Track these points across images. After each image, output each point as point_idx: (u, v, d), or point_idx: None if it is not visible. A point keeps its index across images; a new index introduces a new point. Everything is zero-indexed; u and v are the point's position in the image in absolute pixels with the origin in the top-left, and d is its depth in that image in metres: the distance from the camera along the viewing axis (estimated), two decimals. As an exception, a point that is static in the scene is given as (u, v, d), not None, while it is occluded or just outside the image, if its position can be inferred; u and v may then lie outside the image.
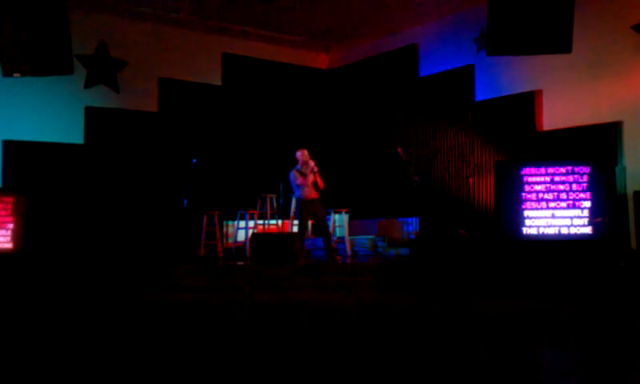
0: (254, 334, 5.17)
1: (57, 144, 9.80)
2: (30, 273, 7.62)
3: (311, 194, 8.56)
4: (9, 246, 8.05)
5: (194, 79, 11.20)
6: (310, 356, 4.03)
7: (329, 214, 9.31)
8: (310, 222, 9.29)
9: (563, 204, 7.43)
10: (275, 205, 10.47)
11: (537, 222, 7.51)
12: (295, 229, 9.15)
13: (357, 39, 11.86)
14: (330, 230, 9.32)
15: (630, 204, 7.94)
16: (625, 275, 6.87)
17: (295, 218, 9.31)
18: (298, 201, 8.66)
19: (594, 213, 7.31)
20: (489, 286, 6.92)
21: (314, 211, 8.59)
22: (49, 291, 7.41)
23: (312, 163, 8.61)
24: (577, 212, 7.36)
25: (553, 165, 7.59)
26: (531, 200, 7.55)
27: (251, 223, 10.24)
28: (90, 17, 10.01)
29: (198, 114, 11.21)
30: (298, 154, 8.71)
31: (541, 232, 7.46)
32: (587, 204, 7.36)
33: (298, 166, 8.68)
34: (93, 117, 10.14)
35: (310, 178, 8.52)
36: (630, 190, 8.03)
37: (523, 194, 7.59)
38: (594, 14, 8.52)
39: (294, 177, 8.60)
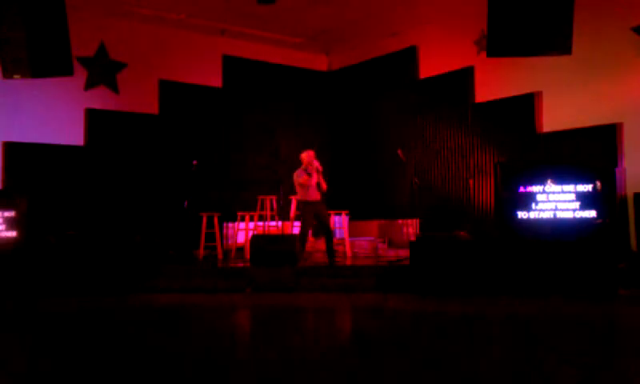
0: (254, 336, 5.17)
1: (57, 146, 9.82)
2: (29, 274, 7.62)
3: (315, 195, 8.54)
4: (9, 247, 8.05)
5: (195, 81, 11.21)
6: (311, 357, 4.03)
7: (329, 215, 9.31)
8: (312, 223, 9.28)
9: (563, 205, 7.43)
10: (275, 206, 10.47)
11: (537, 223, 7.51)
12: (295, 230, 9.15)
13: (357, 41, 11.88)
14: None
15: (630, 206, 7.95)
16: (625, 276, 6.88)
17: (297, 220, 9.30)
18: (302, 202, 8.63)
19: (594, 214, 7.32)
20: (490, 286, 6.92)
21: (318, 212, 8.58)
22: (43, 293, 7.41)
23: (316, 163, 8.60)
24: (577, 213, 7.37)
25: (553, 166, 7.60)
26: (532, 201, 7.55)
27: (251, 225, 10.26)
28: (89, 18, 10.01)
29: (199, 115, 11.22)
30: (304, 154, 8.68)
31: (541, 233, 7.46)
32: (587, 205, 7.37)
33: (303, 167, 8.67)
34: (93, 119, 10.16)
35: (315, 177, 8.51)
36: (629, 192, 8.03)
37: (524, 196, 7.59)
38: (594, 16, 8.52)
39: (299, 175, 8.58)
